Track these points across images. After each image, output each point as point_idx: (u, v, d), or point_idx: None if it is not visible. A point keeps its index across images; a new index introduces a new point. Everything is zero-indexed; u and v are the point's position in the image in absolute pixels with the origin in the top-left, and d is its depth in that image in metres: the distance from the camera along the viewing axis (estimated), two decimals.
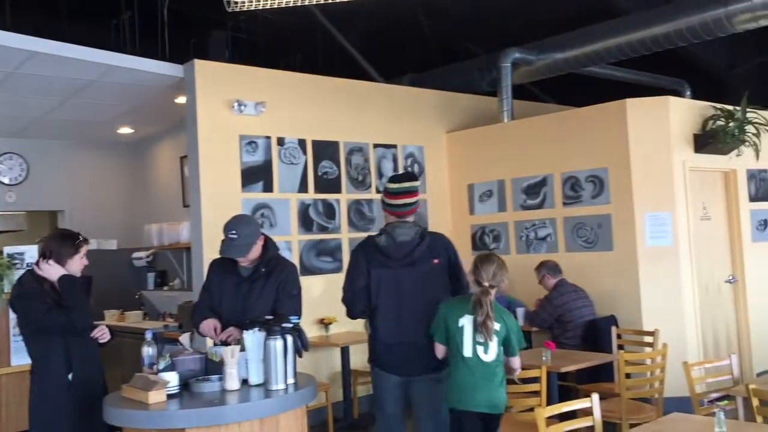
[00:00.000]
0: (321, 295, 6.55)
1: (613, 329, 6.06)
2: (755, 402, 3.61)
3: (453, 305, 3.88)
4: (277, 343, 3.34)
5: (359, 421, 6.50)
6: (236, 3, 5.68)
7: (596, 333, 6.17)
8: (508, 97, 8.03)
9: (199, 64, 6.31)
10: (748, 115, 6.70)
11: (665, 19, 7.32)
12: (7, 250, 5.41)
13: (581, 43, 8.02)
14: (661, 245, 6.41)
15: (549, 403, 4.28)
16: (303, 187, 6.81)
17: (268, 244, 3.98)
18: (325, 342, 6.42)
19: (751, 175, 7.34)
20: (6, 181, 8.60)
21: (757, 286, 7.19)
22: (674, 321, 6.30)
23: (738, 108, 6.69)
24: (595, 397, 3.53)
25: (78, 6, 7.96)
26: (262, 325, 3.44)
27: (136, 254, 8.43)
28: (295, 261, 6.43)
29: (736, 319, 7.10)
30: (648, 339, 5.89)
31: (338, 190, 7.08)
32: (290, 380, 3.39)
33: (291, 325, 3.48)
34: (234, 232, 3.82)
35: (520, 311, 6.78)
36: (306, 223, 6.80)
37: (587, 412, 3.52)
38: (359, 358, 6.16)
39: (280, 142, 6.69)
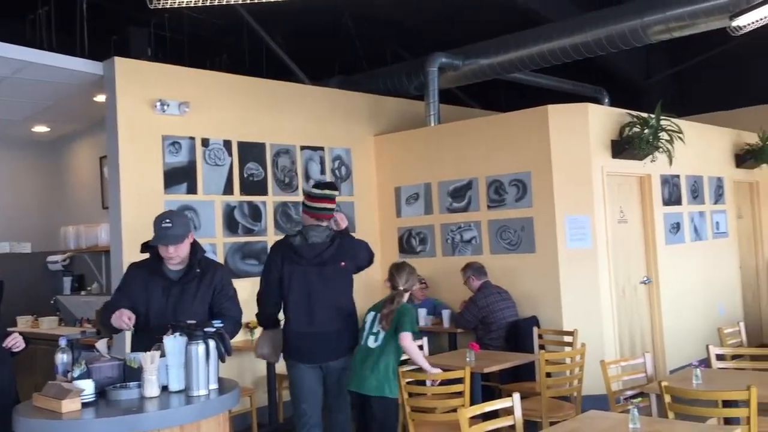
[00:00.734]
0: (246, 298, 6.39)
1: (535, 330, 6.21)
2: (667, 399, 3.75)
3: (374, 305, 4.58)
4: (198, 348, 3.28)
5: (284, 425, 6.43)
6: (159, 0, 5.54)
7: (519, 333, 6.31)
8: (434, 101, 8.13)
9: (119, 61, 6.14)
10: (662, 122, 6.97)
11: (585, 29, 7.58)
12: None
13: (506, 49, 8.21)
14: (581, 247, 6.61)
15: (473, 403, 4.35)
16: (228, 189, 6.71)
17: (196, 246, 3.91)
18: (250, 346, 6.30)
19: (665, 180, 7.66)
20: None
21: (670, 287, 7.50)
22: (593, 321, 6.50)
23: (653, 115, 6.96)
24: (516, 396, 3.60)
25: None
26: (183, 330, 3.36)
27: (51, 257, 8.12)
28: None
29: (651, 318, 7.38)
30: (568, 339, 6.05)
31: (264, 192, 7.00)
32: (212, 385, 3.33)
33: (213, 330, 3.41)
34: (168, 220, 3.76)
35: (445, 313, 6.86)
36: (231, 225, 6.70)
37: (509, 412, 3.59)
38: (284, 363, 6.10)
39: (205, 143, 6.57)
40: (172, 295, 3.81)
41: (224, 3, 5.88)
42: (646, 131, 6.85)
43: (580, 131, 6.71)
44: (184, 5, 5.65)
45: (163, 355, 3.33)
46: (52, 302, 7.91)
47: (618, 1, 7.43)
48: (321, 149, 7.58)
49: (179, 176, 6.35)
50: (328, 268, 4.42)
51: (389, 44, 10.28)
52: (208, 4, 5.73)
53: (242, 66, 8.86)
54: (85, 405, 3.11)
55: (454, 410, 4.20)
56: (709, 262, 8.33)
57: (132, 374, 3.36)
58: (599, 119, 6.89)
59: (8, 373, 3.72)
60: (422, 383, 4.67)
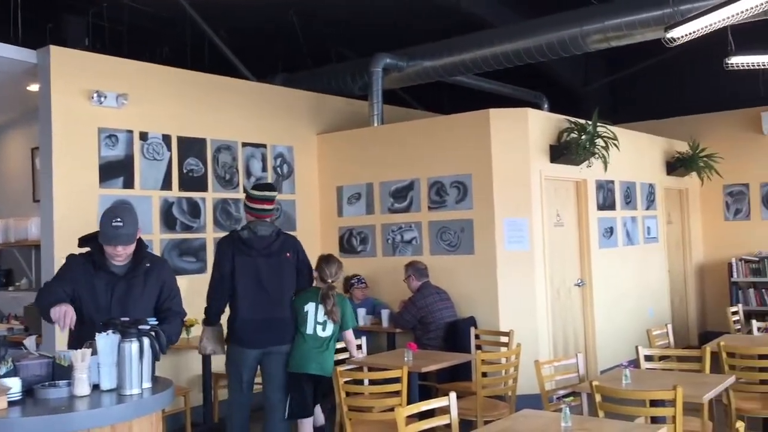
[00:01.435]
0: (184, 296, 6.32)
1: (472, 330, 6.29)
2: (598, 398, 3.86)
3: (301, 296, 4.90)
4: (132, 346, 3.20)
5: (219, 425, 6.34)
6: None
7: (457, 334, 6.38)
8: (378, 102, 8.16)
9: (54, 50, 5.94)
10: (598, 129, 7.15)
11: (526, 35, 7.72)
12: None
13: (449, 52, 8.29)
14: (519, 250, 6.73)
15: (410, 402, 4.37)
16: (166, 185, 6.58)
17: (141, 240, 3.81)
18: (186, 345, 6.20)
19: (600, 186, 7.87)
20: None
21: (603, 289, 7.71)
22: (528, 322, 6.62)
23: (590, 122, 7.14)
24: (453, 395, 3.64)
25: None
26: (116, 327, 3.28)
27: None
28: None
29: (584, 320, 7.58)
30: (504, 339, 6.16)
31: (204, 189, 6.89)
32: (146, 384, 3.26)
33: (148, 327, 3.34)
34: (119, 219, 3.59)
35: (384, 313, 6.89)
36: (169, 221, 6.57)
37: (445, 411, 3.63)
38: (221, 361, 6.01)
39: (143, 136, 6.43)
40: (118, 291, 3.69)
41: None
42: (583, 137, 7.02)
43: (520, 135, 6.83)
44: None
45: (95, 353, 3.24)
46: None
47: (559, 9, 7.60)
48: (263, 146, 7.50)
49: (115, 170, 6.19)
50: (275, 258, 4.80)
51: (334, 43, 10.26)
52: None
53: (184, 60, 8.70)
54: (11, 404, 3.00)
55: (391, 409, 4.23)
56: (640, 265, 8.60)
57: (62, 373, 3.25)
58: (539, 124, 7.03)
59: None
60: (360, 382, 4.70)
